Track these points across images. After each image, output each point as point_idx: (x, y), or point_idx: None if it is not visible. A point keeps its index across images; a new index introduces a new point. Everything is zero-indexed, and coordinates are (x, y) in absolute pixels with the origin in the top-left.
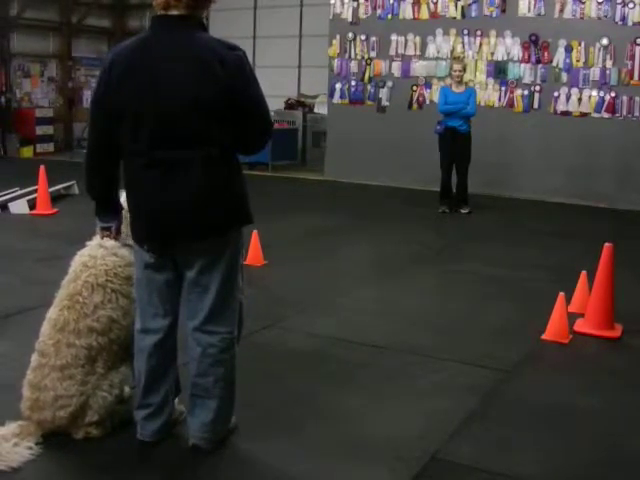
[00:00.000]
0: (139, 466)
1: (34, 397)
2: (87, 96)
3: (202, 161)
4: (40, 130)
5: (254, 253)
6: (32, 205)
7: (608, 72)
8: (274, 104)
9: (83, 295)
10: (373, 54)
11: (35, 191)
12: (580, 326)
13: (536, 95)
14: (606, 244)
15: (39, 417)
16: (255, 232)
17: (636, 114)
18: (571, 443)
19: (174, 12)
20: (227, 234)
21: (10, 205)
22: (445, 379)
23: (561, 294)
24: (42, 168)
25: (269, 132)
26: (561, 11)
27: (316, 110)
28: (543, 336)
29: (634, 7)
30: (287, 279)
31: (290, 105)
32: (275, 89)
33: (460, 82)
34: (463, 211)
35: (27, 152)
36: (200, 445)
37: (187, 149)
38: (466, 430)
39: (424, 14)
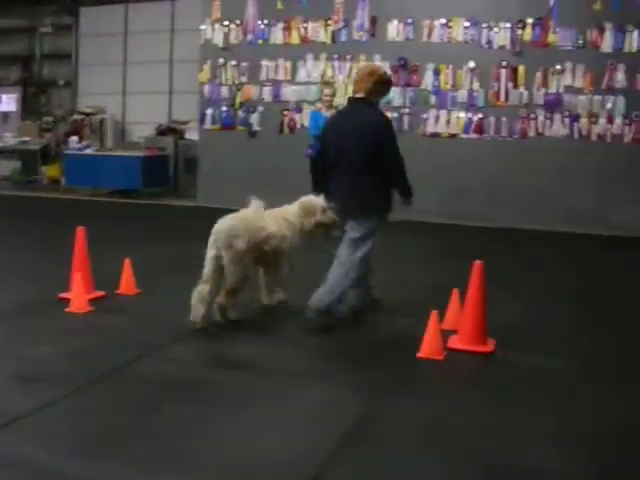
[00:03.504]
0: None
1: None
2: None
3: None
4: None
5: (127, 282)
6: None
7: (475, 94)
8: (145, 130)
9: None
10: (244, 79)
11: None
12: (454, 342)
13: (406, 118)
14: (476, 261)
15: None
16: (127, 260)
17: (503, 134)
18: (444, 460)
19: (358, 95)
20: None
21: None
22: (326, 401)
23: (434, 312)
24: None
25: (397, 174)
26: (429, 35)
27: (187, 136)
28: (418, 354)
29: (499, 31)
30: (162, 307)
31: (161, 131)
32: (146, 115)
33: (330, 106)
34: (334, 234)
35: None
36: None
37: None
38: (344, 452)
39: (295, 39)
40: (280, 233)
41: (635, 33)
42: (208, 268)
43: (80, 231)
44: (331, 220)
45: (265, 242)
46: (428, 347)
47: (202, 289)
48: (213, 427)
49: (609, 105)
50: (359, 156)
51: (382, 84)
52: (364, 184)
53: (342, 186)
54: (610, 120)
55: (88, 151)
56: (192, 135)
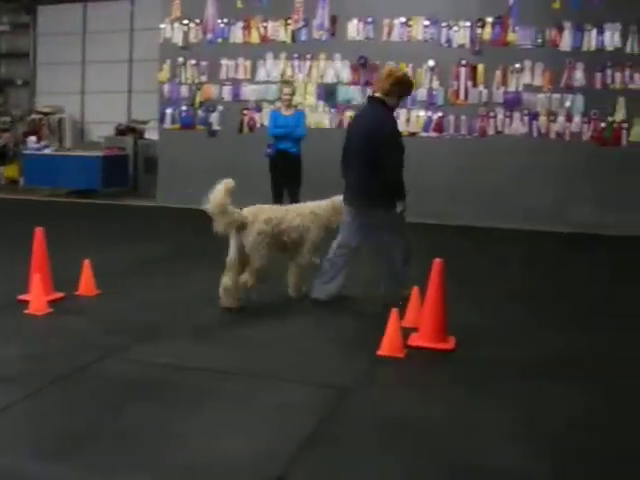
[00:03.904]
0: None
1: None
2: None
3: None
4: None
5: (86, 283)
6: None
7: (435, 93)
8: (104, 130)
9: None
10: (204, 78)
11: None
12: (414, 340)
13: None
14: (436, 259)
15: None
16: (87, 261)
17: (462, 132)
18: (407, 459)
19: (375, 95)
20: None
21: None
22: (286, 400)
23: (394, 310)
24: None
25: (388, 176)
26: (389, 34)
27: (147, 136)
28: (379, 352)
29: (459, 30)
30: (123, 308)
31: (121, 131)
32: (105, 115)
33: (289, 105)
34: None
35: None
36: None
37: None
38: (306, 452)
39: (254, 38)
40: (302, 226)
41: (594, 32)
42: (231, 255)
43: (39, 232)
44: None
45: (284, 233)
46: (388, 345)
47: (225, 281)
48: (174, 428)
49: (568, 103)
50: (359, 155)
51: (399, 85)
52: (365, 180)
53: (349, 180)
54: (569, 118)
55: (47, 151)
56: (152, 135)
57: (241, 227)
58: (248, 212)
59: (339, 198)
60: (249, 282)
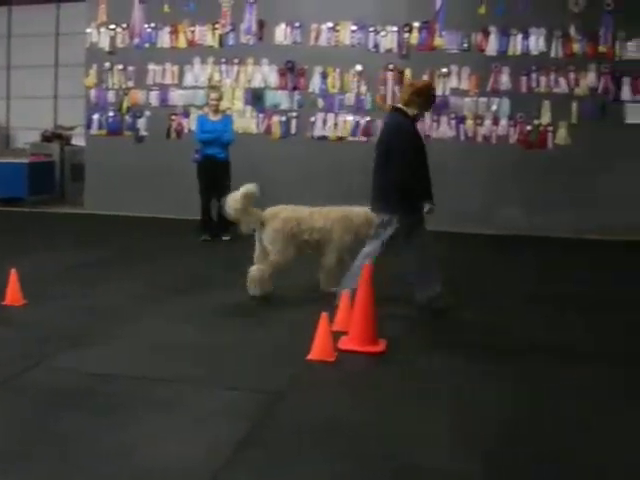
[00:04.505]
0: None
1: None
2: None
3: None
4: None
5: (13, 292)
6: None
7: (363, 97)
8: (30, 136)
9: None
10: (131, 84)
11: None
12: (345, 343)
13: (293, 121)
14: (365, 263)
15: None
16: (13, 270)
17: None
18: (340, 463)
19: (397, 105)
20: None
21: None
22: (218, 406)
23: (324, 314)
24: None
25: (395, 169)
26: (316, 39)
27: (74, 142)
28: (309, 356)
29: (386, 35)
30: (50, 317)
31: (47, 137)
32: (31, 121)
33: (217, 110)
34: (225, 238)
35: None
36: None
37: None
38: (239, 457)
39: (182, 43)
40: (325, 228)
41: (519, 37)
42: (256, 250)
43: None
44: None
45: (304, 233)
46: (319, 349)
47: (252, 272)
48: (106, 437)
49: (494, 107)
50: (377, 160)
51: (419, 97)
52: (382, 186)
53: (372, 188)
54: (495, 122)
55: None
56: (79, 141)
57: (262, 225)
58: (269, 211)
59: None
60: (265, 273)
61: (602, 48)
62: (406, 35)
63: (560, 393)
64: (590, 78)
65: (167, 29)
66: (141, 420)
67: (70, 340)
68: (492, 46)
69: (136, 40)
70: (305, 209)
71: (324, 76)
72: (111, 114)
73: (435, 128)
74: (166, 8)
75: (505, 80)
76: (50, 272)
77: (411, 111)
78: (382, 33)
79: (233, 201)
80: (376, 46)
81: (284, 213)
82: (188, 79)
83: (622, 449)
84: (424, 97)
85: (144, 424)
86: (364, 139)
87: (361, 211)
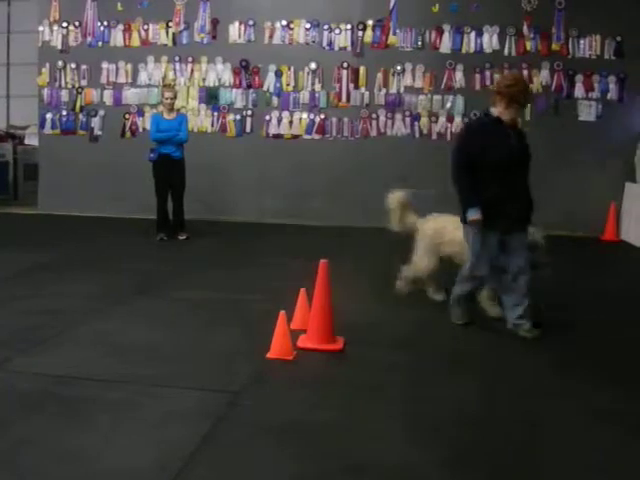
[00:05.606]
0: None
1: None
2: None
3: None
4: None
5: None
6: None
7: (317, 95)
8: None
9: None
10: (84, 82)
11: None
12: (303, 342)
13: (248, 119)
14: (321, 260)
15: None
16: None
17: (345, 134)
18: (300, 462)
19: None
20: None
21: None
22: (176, 407)
23: (282, 312)
24: None
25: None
26: (271, 37)
27: (27, 141)
28: (268, 355)
29: (340, 33)
30: (4, 320)
31: None
32: None
33: (172, 109)
34: (181, 237)
35: None
36: None
37: None
38: (198, 457)
39: (135, 41)
40: (462, 242)
41: (472, 35)
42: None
43: None
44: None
45: (444, 244)
46: (278, 347)
47: (404, 271)
48: (62, 440)
49: (448, 104)
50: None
51: (500, 94)
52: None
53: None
54: (450, 119)
55: None
56: (32, 140)
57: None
58: (422, 220)
59: None
60: (408, 275)
61: (555, 46)
62: (360, 33)
63: (516, 389)
64: (543, 75)
65: (120, 27)
66: (98, 422)
67: (25, 343)
68: (446, 44)
69: (89, 38)
70: (454, 220)
71: (278, 74)
72: (64, 113)
73: (390, 126)
74: (119, 6)
75: (459, 78)
76: (5, 273)
77: (496, 110)
78: (336, 31)
79: (393, 205)
80: (330, 44)
81: (433, 223)
82: (142, 78)
83: (557, 444)
84: (499, 96)
85: (101, 426)
86: (318, 137)
87: None
